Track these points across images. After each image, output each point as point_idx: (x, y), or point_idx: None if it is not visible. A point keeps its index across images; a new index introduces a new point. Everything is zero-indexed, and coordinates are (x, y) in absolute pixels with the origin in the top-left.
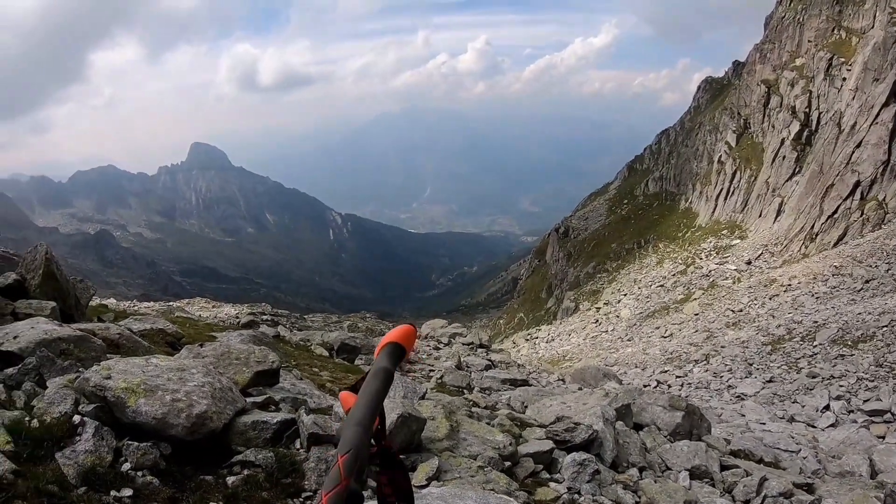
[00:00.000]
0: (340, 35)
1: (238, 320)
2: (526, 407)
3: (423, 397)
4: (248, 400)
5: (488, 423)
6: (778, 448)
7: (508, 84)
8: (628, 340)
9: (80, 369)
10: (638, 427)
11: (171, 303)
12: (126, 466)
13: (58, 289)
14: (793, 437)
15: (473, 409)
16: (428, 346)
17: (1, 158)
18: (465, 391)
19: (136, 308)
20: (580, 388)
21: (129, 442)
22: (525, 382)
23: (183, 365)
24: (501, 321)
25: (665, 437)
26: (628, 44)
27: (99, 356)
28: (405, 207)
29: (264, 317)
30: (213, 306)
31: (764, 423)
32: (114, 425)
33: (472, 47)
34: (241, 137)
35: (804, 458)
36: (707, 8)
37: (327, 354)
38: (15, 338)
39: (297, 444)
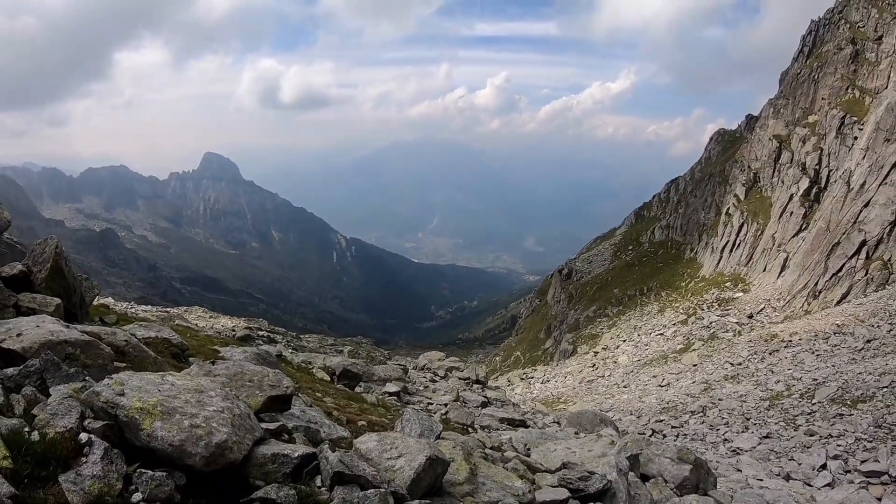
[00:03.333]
0: (364, 60)
1: (234, 333)
2: (529, 449)
3: (439, 436)
4: (262, 425)
5: (503, 467)
6: None
7: (523, 122)
8: (624, 387)
9: (87, 378)
10: (644, 478)
11: (169, 309)
12: (137, 497)
13: (64, 285)
14: (792, 496)
15: (486, 451)
16: (424, 377)
17: (16, 146)
18: (469, 429)
19: (133, 310)
20: (577, 433)
21: (143, 470)
22: (523, 423)
23: (201, 386)
24: (498, 358)
25: (672, 489)
26: (645, 91)
27: (106, 364)
28: (411, 236)
29: (261, 332)
30: (211, 317)
31: (761, 480)
32: (123, 447)
33: (491, 83)
34: (254, 152)
35: None
36: (727, 60)
37: (329, 379)
38: (18, 335)
39: (318, 482)
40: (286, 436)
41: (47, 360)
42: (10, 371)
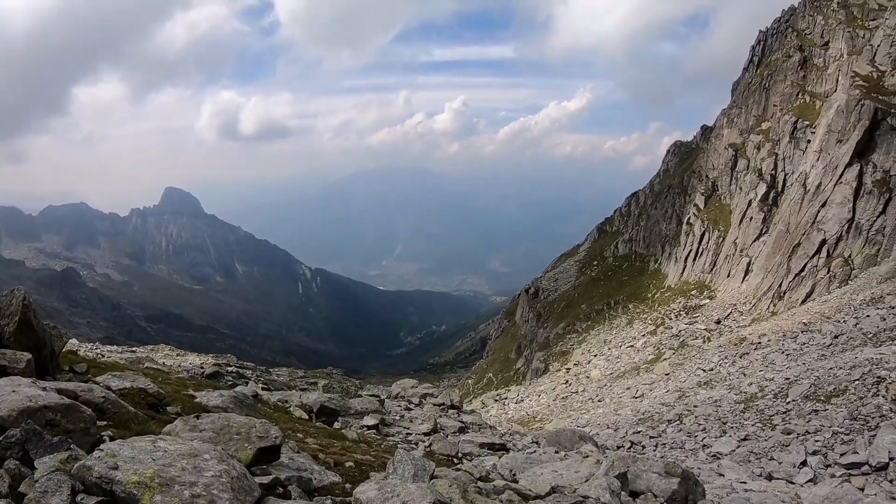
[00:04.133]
0: (324, 90)
1: (203, 371)
2: (514, 475)
3: (433, 475)
4: (255, 480)
5: (497, 499)
6: None
7: (483, 145)
8: (599, 401)
9: (72, 446)
10: (634, 495)
11: (135, 348)
12: None
13: (34, 338)
14: (777, 496)
15: (478, 484)
16: (399, 406)
17: None
18: (454, 460)
19: (99, 351)
20: (556, 451)
21: None
22: (503, 447)
23: (194, 449)
24: (470, 381)
25: None
26: (601, 108)
27: (88, 427)
28: (375, 264)
29: (229, 368)
30: (178, 354)
31: (745, 482)
32: None
33: (449, 107)
34: (215, 185)
35: None
36: (680, 74)
37: (307, 417)
38: None
39: None
40: (280, 489)
41: (29, 430)
42: None
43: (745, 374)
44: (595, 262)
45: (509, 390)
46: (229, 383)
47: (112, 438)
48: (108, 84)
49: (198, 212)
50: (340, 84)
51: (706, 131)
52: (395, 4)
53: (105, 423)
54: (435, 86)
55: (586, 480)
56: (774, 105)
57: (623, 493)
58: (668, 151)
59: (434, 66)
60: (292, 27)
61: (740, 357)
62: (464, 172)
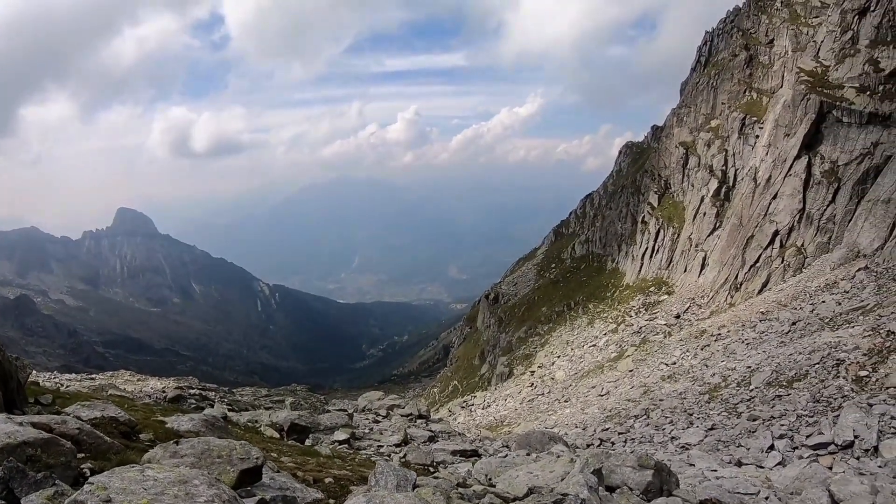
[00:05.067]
0: (276, 103)
1: (165, 395)
2: (490, 479)
3: (415, 485)
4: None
5: (479, 503)
6: (738, 492)
7: (436, 153)
8: (565, 402)
9: (56, 482)
10: (610, 489)
11: (94, 375)
12: None
13: (1, 373)
14: (748, 480)
15: (459, 490)
16: (367, 419)
17: None
18: (430, 468)
19: (58, 380)
20: (528, 454)
21: None
22: (475, 453)
23: (183, 476)
24: (436, 389)
25: (638, 496)
26: (553, 112)
27: (69, 461)
28: (333, 278)
29: (192, 391)
30: (139, 380)
31: (715, 471)
32: None
33: (401, 117)
34: (168, 204)
35: (766, 498)
36: (630, 76)
37: (278, 436)
38: None
39: None
40: None
41: (12, 468)
42: None
43: (707, 366)
44: (553, 265)
45: (475, 396)
46: (193, 406)
47: (93, 471)
48: (56, 103)
49: (152, 232)
50: (292, 97)
51: (657, 131)
52: (346, 15)
53: (83, 455)
54: (387, 96)
55: (562, 479)
56: (723, 103)
57: (600, 488)
58: (620, 152)
59: (386, 77)
60: (243, 40)
61: (702, 349)
62: (419, 181)
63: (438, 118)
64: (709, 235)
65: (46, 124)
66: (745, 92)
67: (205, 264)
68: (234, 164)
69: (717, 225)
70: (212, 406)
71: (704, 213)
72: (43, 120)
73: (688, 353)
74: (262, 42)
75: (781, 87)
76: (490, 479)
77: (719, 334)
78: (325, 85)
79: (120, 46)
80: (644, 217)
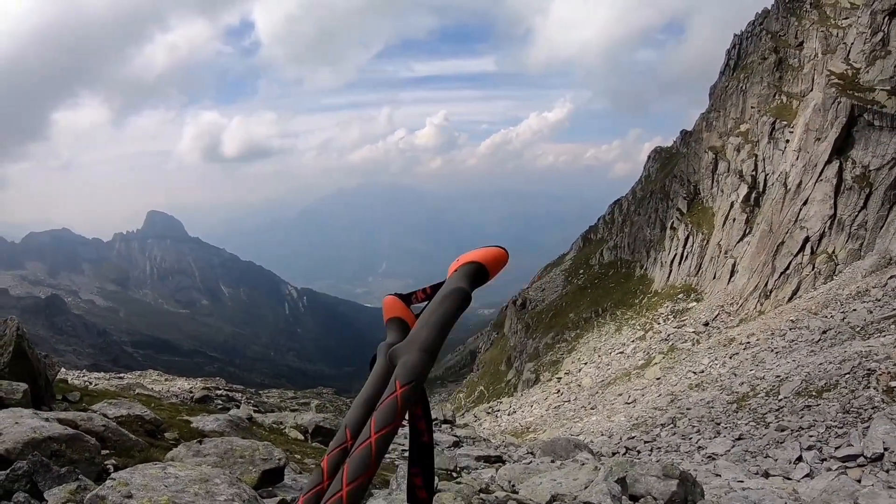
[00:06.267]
0: (305, 109)
1: (192, 395)
2: (514, 486)
3: (436, 490)
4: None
5: None
6: None
7: (464, 159)
8: (592, 409)
9: (80, 476)
10: (633, 498)
11: (122, 375)
12: None
13: (29, 369)
14: (775, 492)
15: (481, 496)
16: None
17: None
18: (453, 473)
19: (87, 378)
20: (552, 461)
21: None
22: (499, 459)
23: (204, 474)
24: (462, 395)
25: None
26: (581, 117)
27: (93, 457)
28: (361, 282)
29: (219, 392)
30: (167, 380)
31: (742, 482)
32: None
33: (430, 122)
34: (198, 207)
35: None
36: (658, 80)
37: (302, 438)
38: None
39: None
40: None
41: (36, 462)
42: None
43: (735, 374)
44: (581, 271)
45: (501, 402)
46: (220, 407)
47: (116, 467)
48: (88, 108)
49: (181, 235)
50: (322, 102)
51: (686, 136)
52: (375, 22)
53: (107, 451)
54: (416, 101)
55: (586, 487)
56: (752, 107)
57: (624, 497)
58: (649, 157)
59: (415, 82)
60: (273, 47)
61: (730, 357)
62: (446, 187)
63: (467, 123)
64: (738, 242)
65: (78, 129)
66: (774, 95)
67: (233, 267)
68: (263, 168)
69: (747, 231)
70: (238, 407)
71: (734, 219)
72: (75, 125)
73: (716, 362)
74: (292, 48)
75: (812, 90)
76: (513, 486)
77: (748, 342)
78: (354, 90)
79: (152, 52)
80: (673, 223)
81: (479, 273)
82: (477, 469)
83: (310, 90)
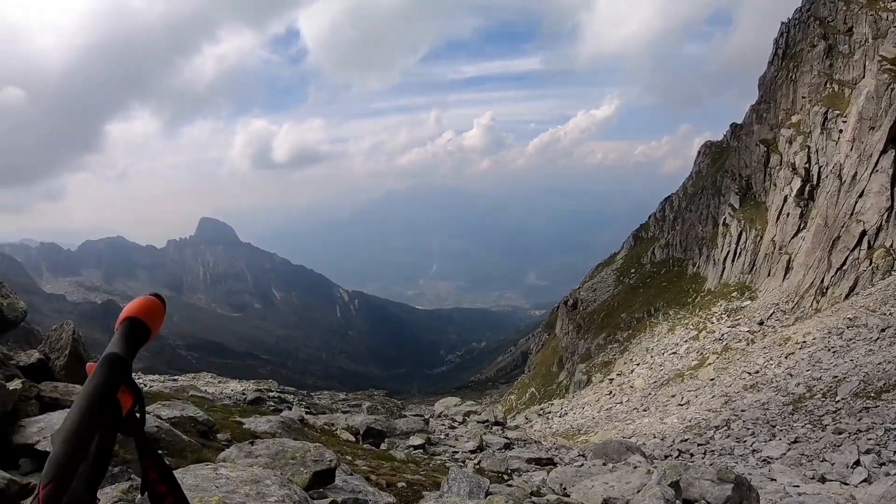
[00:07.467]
0: (354, 114)
1: (245, 397)
2: (565, 489)
3: (488, 492)
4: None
5: None
6: None
7: (513, 159)
8: (644, 410)
9: (133, 476)
10: (687, 503)
11: (176, 377)
12: None
13: (84, 372)
14: (831, 498)
15: (533, 500)
16: (443, 425)
17: (12, 222)
18: (504, 476)
19: (142, 381)
20: (604, 463)
21: None
22: (550, 461)
23: (255, 475)
24: (513, 396)
25: None
26: (629, 114)
27: None
28: (412, 284)
29: (271, 393)
30: (220, 381)
31: (798, 486)
32: None
33: (477, 123)
34: (250, 213)
35: None
36: (706, 73)
37: (353, 439)
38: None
39: None
40: None
41: None
42: None
43: (791, 375)
44: (633, 270)
45: (552, 404)
46: (272, 408)
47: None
48: (140, 120)
49: (233, 240)
50: (370, 107)
51: (736, 129)
52: (419, 26)
53: (160, 452)
54: (463, 102)
55: (638, 491)
56: (803, 97)
57: (677, 501)
58: (699, 152)
59: (462, 83)
60: (320, 54)
61: (786, 357)
62: (495, 188)
63: (515, 123)
64: (793, 237)
65: (131, 140)
66: (825, 84)
67: (285, 271)
68: (313, 174)
69: (802, 226)
70: (290, 409)
71: (788, 214)
72: (128, 136)
73: (771, 362)
74: (338, 55)
75: (864, 77)
76: (564, 489)
77: (804, 342)
78: (402, 94)
79: (200, 64)
80: (725, 219)
81: (136, 330)
82: (528, 471)
83: (358, 95)
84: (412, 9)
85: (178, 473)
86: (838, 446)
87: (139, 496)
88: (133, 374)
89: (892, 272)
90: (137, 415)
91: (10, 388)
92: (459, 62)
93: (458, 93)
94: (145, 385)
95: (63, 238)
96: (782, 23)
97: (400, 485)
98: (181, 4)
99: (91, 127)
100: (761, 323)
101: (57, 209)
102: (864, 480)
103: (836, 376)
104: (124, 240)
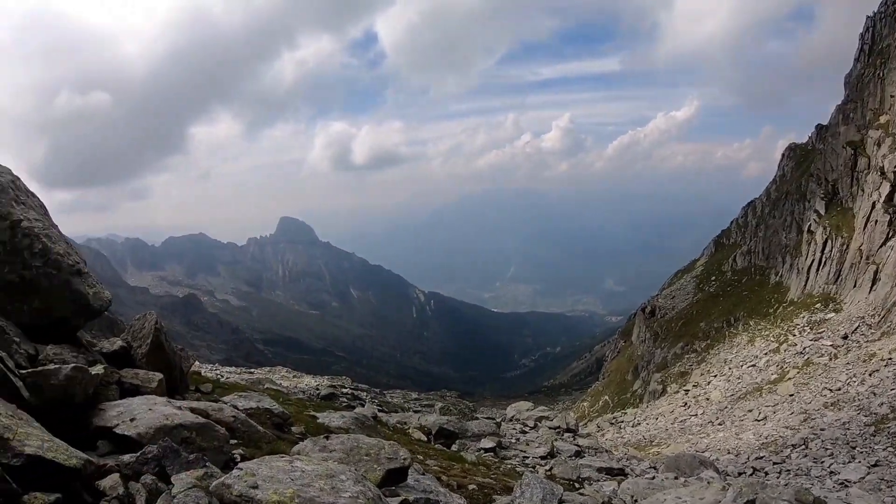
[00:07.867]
0: (432, 116)
1: (319, 392)
2: (636, 501)
3: (561, 500)
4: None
5: None
6: None
7: (591, 162)
8: (719, 424)
9: (207, 464)
10: None
11: (253, 370)
12: None
13: (165, 360)
14: None
15: None
16: (514, 429)
17: (99, 219)
18: (575, 484)
19: (219, 372)
20: (676, 477)
21: None
22: (621, 472)
23: (330, 470)
24: (585, 403)
25: None
26: (710, 115)
27: (222, 445)
28: (489, 286)
29: (344, 390)
30: (294, 376)
31: None
32: None
33: (556, 125)
34: (329, 213)
35: None
36: (789, 72)
37: (425, 439)
38: (132, 420)
39: None
40: None
41: (166, 447)
42: (126, 458)
43: (875, 394)
44: (713, 278)
45: (626, 413)
46: (345, 404)
47: (243, 457)
48: (222, 123)
49: (312, 240)
50: (448, 109)
51: (821, 131)
52: (496, 28)
53: (236, 441)
54: (542, 105)
55: None
56: (892, 95)
57: None
58: (783, 155)
59: (540, 85)
60: (397, 57)
61: (870, 375)
62: (573, 191)
63: (593, 125)
64: (881, 246)
65: (214, 142)
66: None
67: (363, 271)
68: (392, 175)
69: (891, 234)
70: (363, 405)
71: (876, 221)
72: (211, 138)
73: (854, 379)
74: (416, 58)
75: None
76: (636, 501)
77: (890, 359)
78: (480, 96)
79: (280, 68)
80: (810, 226)
81: None
82: (598, 481)
83: (436, 98)
84: (488, 11)
85: (253, 464)
86: None
87: (213, 483)
88: (211, 365)
89: None
90: None
91: (93, 372)
92: (536, 64)
93: (536, 94)
94: (222, 376)
95: (147, 235)
96: (868, 17)
97: (471, 487)
98: (261, 11)
99: (175, 129)
100: (845, 337)
101: (142, 208)
102: None
103: None
104: (206, 237)
